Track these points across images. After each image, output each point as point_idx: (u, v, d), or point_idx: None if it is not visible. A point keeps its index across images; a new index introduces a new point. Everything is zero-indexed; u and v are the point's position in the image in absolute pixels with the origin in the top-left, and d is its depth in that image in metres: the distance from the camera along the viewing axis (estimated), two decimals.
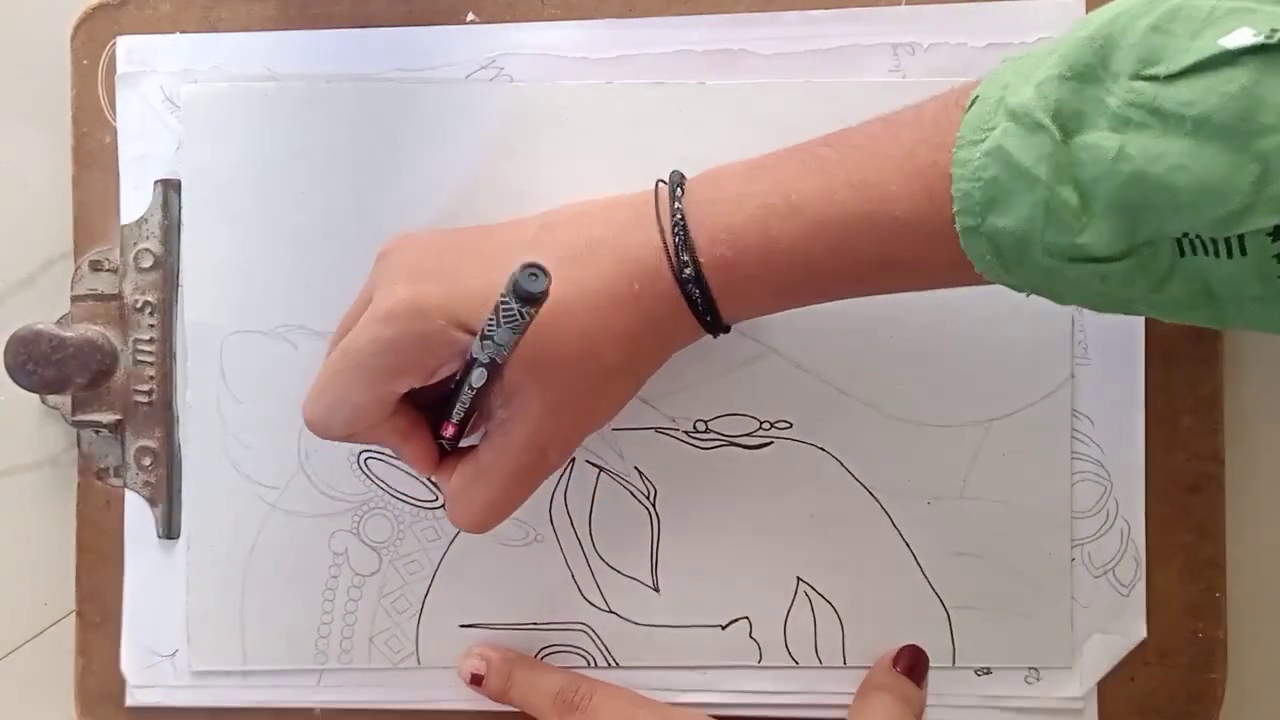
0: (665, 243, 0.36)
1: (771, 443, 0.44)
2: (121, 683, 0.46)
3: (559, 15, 0.45)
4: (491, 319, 0.33)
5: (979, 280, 0.34)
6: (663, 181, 0.38)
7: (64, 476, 0.48)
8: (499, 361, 0.34)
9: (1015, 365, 0.43)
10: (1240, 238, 0.29)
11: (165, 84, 0.46)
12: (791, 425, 0.44)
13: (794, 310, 0.43)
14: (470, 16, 0.45)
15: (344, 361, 0.36)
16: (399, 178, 0.45)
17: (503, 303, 0.32)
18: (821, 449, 0.44)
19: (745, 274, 0.35)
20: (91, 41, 0.46)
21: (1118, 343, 0.43)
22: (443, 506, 0.45)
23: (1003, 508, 0.43)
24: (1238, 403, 0.44)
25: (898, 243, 0.34)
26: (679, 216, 0.36)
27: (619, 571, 0.45)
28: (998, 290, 0.41)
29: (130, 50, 0.46)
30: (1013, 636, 0.44)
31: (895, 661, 0.43)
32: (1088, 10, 0.43)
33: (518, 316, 0.33)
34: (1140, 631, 0.43)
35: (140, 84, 0.46)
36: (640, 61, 0.44)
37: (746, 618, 0.44)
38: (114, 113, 0.46)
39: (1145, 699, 0.44)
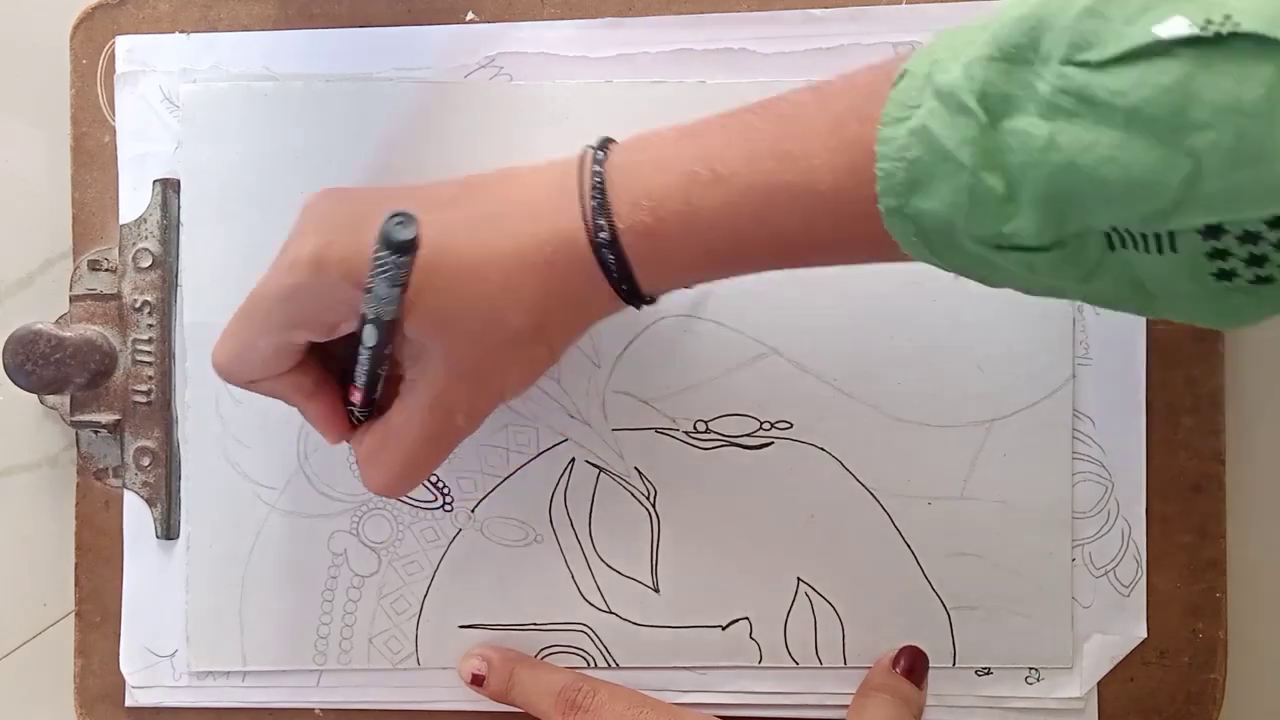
0: (583, 208, 0.35)
1: (772, 443, 0.44)
2: (121, 683, 0.46)
3: (558, 14, 0.45)
4: (371, 274, 0.32)
5: (905, 258, 0.33)
6: (591, 146, 0.37)
7: (63, 477, 0.48)
8: (386, 319, 0.33)
9: (1016, 365, 0.43)
10: (1170, 234, 0.28)
11: (164, 83, 0.46)
12: (792, 425, 0.44)
13: (794, 310, 0.43)
14: (470, 16, 0.45)
15: (248, 306, 0.36)
16: (398, 177, 0.44)
17: (376, 255, 0.32)
18: (822, 449, 0.44)
19: (666, 243, 0.34)
20: (90, 41, 0.46)
21: (1119, 343, 0.43)
22: (442, 507, 0.45)
23: (1003, 508, 0.43)
24: (1239, 403, 0.44)
25: (821, 217, 0.33)
26: (598, 179, 0.35)
27: (619, 572, 0.45)
28: (998, 290, 0.41)
29: (129, 50, 0.46)
30: (1013, 637, 0.44)
31: (895, 662, 0.43)
32: None
33: (391, 268, 0.32)
34: (1140, 632, 0.43)
35: (139, 83, 0.46)
36: (640, 61, 0.44)
37: (747, 618, 0.44)
38: (113, 112, 0.46)
39: (1145, 699, 0.44)
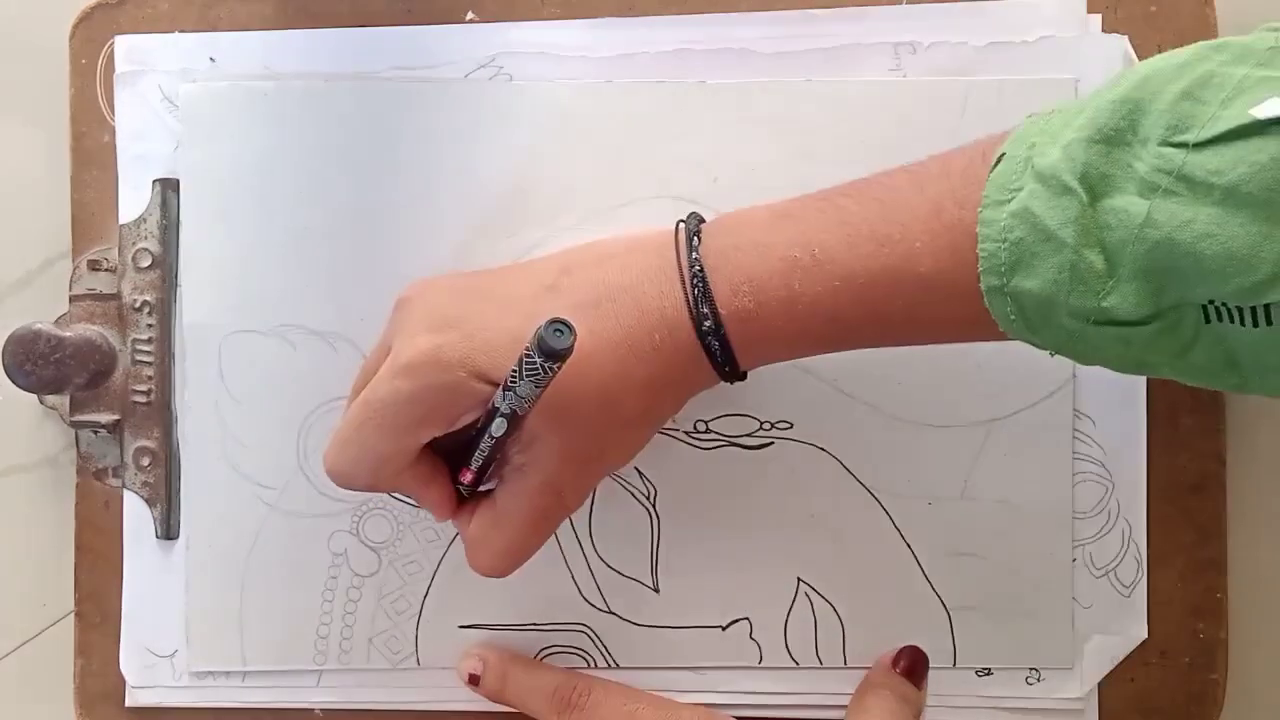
0: (685, 294, 0.35)
1: (772, 443, 0.44)
2: (121, 683, 0.46)
3: (559, 14, 0.45)
4: (515, 372, 0.33)
5: (1003, 336, 0.34)
6: (683, 222, 0.37)
7: (62, 477, 0.48)
8: (520, 414, 0.34)
9: (1017, 365, 0.43)
10: (1266, 307, 0.29)
11: (164, 83, 0.46)
12: (792, 425, 0.44)
13: None
14: (470, 15, 0.45)
15: (366, 413, 0.36)
16: (398, 177, 0.44)
17: (527, 358, 0.32)
18: (822, 449, 0.44)
19: (767, 326, 0.35)
20: (90, 41, 0.46)
21: None
22: None
23: (1004, 508, 0.43)
24: (1239, 403, 0.44)
25: (922, 299, 0.33)
26: (698, 268, 0.35)
27: (619, 572, 0.45)
28: None
29: (129, 49, 0.46)
30: (1013, 637, 0.44)
31: (894, 662, 0.43)
32: (1088, 11, 0.43)
33: (541, 371, 0.32)
34: (1141, 632, 0.43)
35: (139, 83, 0.46)
36: (640, 60, 0.44)
37: (747, 618, 0.44)
38: (112, 112, 0.46)
39: (1146, 699, 0.44)
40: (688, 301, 0.35)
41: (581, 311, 0.35)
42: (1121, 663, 0.43)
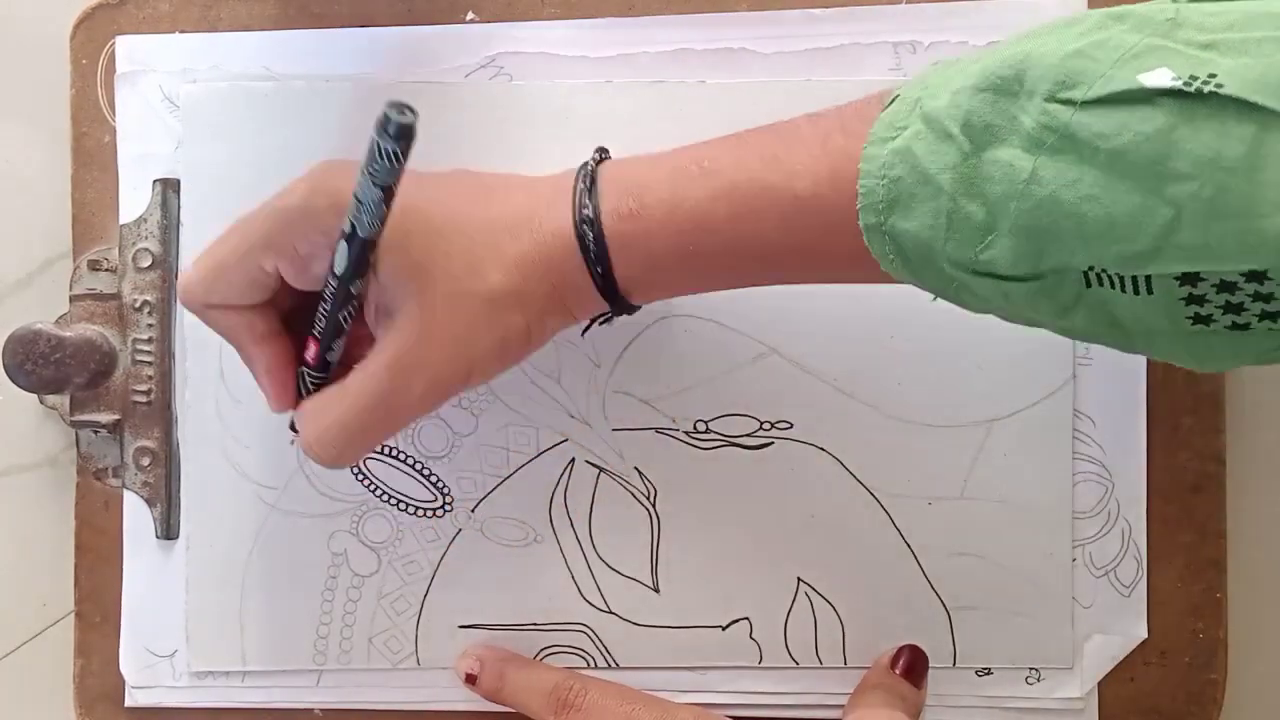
0: (574, 191, 0.35)
1: (772, 443, 0.44)
2: (121, 683, 0.46)
3: (559, 14, 0.45)
4: (360, 176, 0.32)
5: (886, 278, 0.34)
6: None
7: (63, 477, 0.48)
8: (363, 234, 0.33)
9: (1017, 365, 0.43)
10: (1148, 278, 0.29)
11: (164, 83, 0.46)
12: (792, 425, 0.44)
13: (794, 310, 0.43)
14: (470, 16, 0.45)
15: (229, 228, 0.37)
16: None
17: (371, 146, 0.31)
18: (822, 449, 0.44)
19: (646, 227, 0.35)
20: (91, 41, 0.46)
21: None
22: (442, 507, 0.45)
23: (1004, 508, 0.43)
24: (1239, 403, 0.44)
25: (797, 221, 0.33)
26: (589, 165, 0.36)
27: (619, 572, 0.45)
28: None
29: (129, 50, 0.46)
30: (1013, 637, 0.44)
31: (893, 662, 0.43)
32: (1089, 6, 0.43)
33: (383, 158, 0.31)
34: (1141, 632, 0.43)
35: (139, 83, 0.46)
36: (640, 60, 0.44)
37: (747, 618, 0.44)
38: (113, 112, 0.46)
39: (1145, 699, 0.44)
40: (573, 197, 0.35)
41: (469, 194, 0.35)
42: (1121, 662, 0.43)
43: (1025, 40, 0.30)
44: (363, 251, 0.34)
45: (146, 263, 0.46)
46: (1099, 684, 0.44)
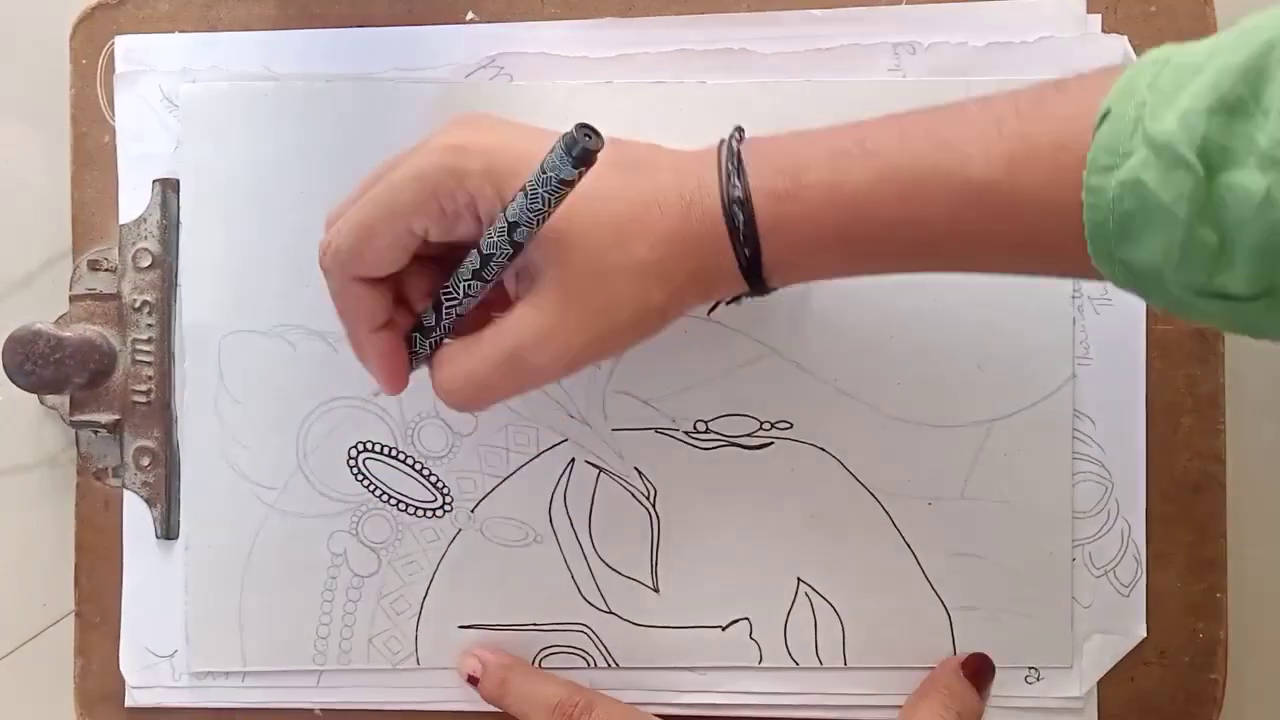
0: (720, 164, 0.34)
1: (772, 443, 0.44)
2: (121, 683, 0.46)
3: (559, 14, 0.45)
4: (533, 180, 0.32)
5: (1046, 269, 0.33)
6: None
7: (62, 477, 0.48)
8: (523, 230, 0.33)
9: (1017, 365, 0.43)
10: None
11: (164, 83, 0.46)
12: (792, 425, 0.44)
13: (794, 310, 0.43)
14: (470, 16, 0.45)
15: (376, 191, 0.35)
16: None
17: (551, 159, 0.31)
18: (822, 449, 0.44)
19: (804, 209, 0.33)
20: (90, 41, 0.46)
21: (1119, 343, 0.43)
22: (441, 508, 0.45)
23: (1004, 508, 0.43)
24: (1238, 403, 0.44)
25: (967, 206, 0.32)
26: (736, 139, 0.35)
27: (619, 572, 0.45)
28: (999, 290, 0.41)
29: (129, 50, 0.46)
30: (1013, 636, 0.44)
31: (964, 664, 0.42)
32: (1088, 11, 0.43)
33: (560, 174, 0.31)
34: (1140, 631, 0.43)
35: (139, 83, 0.46)
36: (640, 61, 0.44)
37: (747, 618, 0.44)
38: (113, 112, 0.46)
39: (1145, 699, 0.44)
40: (719, 169, 0.34)
41: (619, 169, 0.34)
42: (1121, 662, 0.43)
43: (1252, 49, 0.28)
44: (514, 242, 0.34)
45: (146, 263, 0.46)
46: (1098, 683, 0.44)
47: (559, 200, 0.32)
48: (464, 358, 0.36)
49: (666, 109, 0.44)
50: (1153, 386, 0.43)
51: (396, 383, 0.37)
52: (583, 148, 0.31)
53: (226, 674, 0.46)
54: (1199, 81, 0.28)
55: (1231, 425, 0.43)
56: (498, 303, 0.36)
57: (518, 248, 0.34)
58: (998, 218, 0.32)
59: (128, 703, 0.46)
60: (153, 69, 0.46)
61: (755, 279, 0.35)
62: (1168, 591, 0.44)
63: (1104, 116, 0.30)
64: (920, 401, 0.43)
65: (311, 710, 0.46)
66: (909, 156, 0.33)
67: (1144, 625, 0.43)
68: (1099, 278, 0.32)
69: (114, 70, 0.46)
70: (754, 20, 0.44)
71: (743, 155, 0.34)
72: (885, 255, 0.35)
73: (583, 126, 0.31)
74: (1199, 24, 0.43)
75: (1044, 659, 0.43)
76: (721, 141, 0.35)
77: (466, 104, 0.44)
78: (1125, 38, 0.43)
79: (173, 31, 0.46)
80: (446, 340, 0.37)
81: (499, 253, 0.34)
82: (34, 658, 0.48)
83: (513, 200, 0.33)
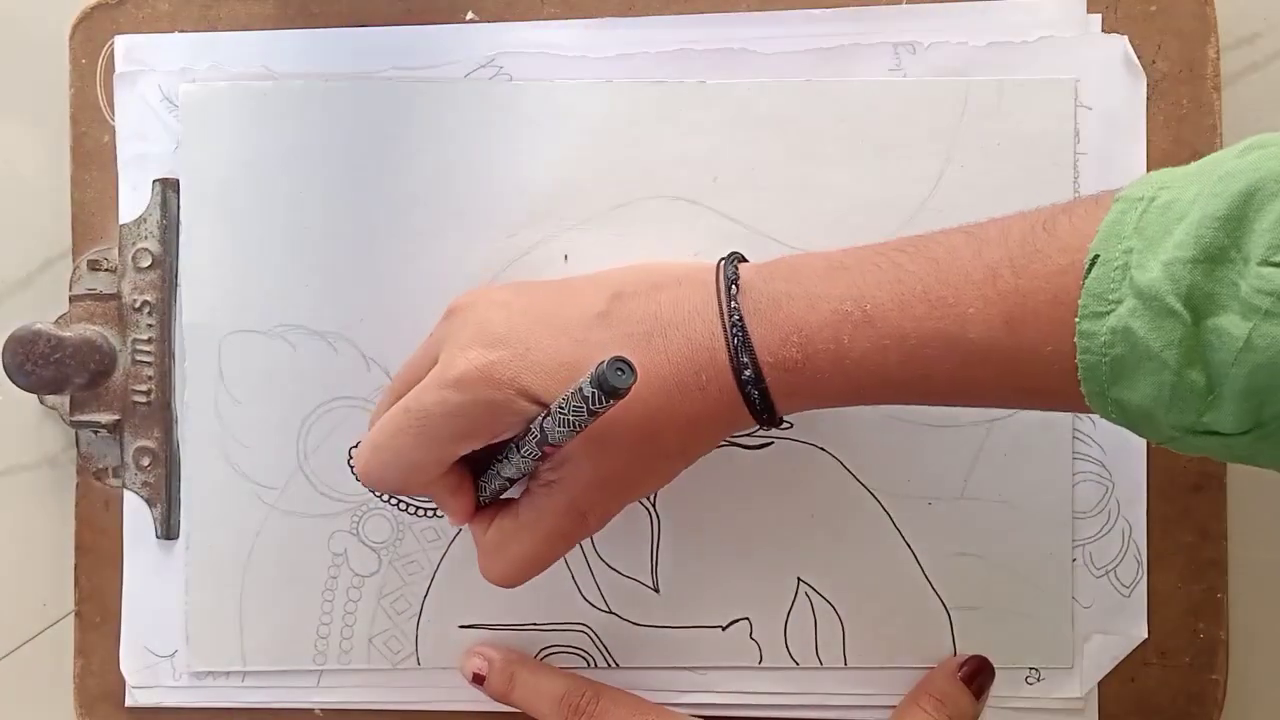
0: (726, 342, 0.35)
1: (771, 443, 0.44)
2: (121, 683, 0.46)
3: (558, 14, 0.45)
4: (565, 400, 0.33)
5: (1052, 406, 0.34)
6: (724, 260, 0.37)
7: (62, 477, 0.48)
8: (561, 443, 0.34)
9: None
10: None
11: (163, 83, 0.46)
12: (792, 425, 0.44)
13: None
14: (469, 15, 0.45)
15: (408, 420, 0.36)
16: (397, 177, 0.44)
17: (581, 392, 0.32)
18: (822, 449, 0.44)
19: (813, 378, 0.35)
20: (90, 41, 0.46)
21: None
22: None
23: (1004, 508, 0.43)
24: None
25: (971, 364, 0.33)
26: (736, 318, 0.35)
27: (619, 572, 0.45)
28: None
29: (128, 49, 0.46)
30: (1013, 637, 0.44)
31: (960, 665, 0.43)
32: (1088, 11, 0.43)
33: (595, 404, 0.32)
34: (1141, 632, 0.43)
35: (138, 83, 0.46)
36: (640, 60, 0.44)
37: (747, 618, 0.44)
38: (112, 112, 0.46)
39: (1146, 699, 0.44)
40: (728, 349, 0.35)
41: (633, 343, 0.35)
42: (1121, 662, 0.43)
43: (1231, 198, 0.29)
44: (557, 447, 0.35)
45: (146, 263, 0.46)
46: (1099, 684, 0.44)
47: (594, 420, 0.33)
48: (512, 543, 0.38)
49: (666, 109, 0.44)
50: None
51: (462, 519, 0.39)
52: (613, 385, 0.31)
53: (226, 674, 0.46)
54: (1182, 230, 0.30)
55: (1233, 463, 0.43)
56: None
57: (552, 452, 0.35)
58: (999, 372, 0.33)
59: (128, 703, 0.46)
60: (152, 69, 0.46)
61: (772, 424, 0.37)
62: (1168, 592, 0.43)
63: (1092, 263, 0.31)
64: None
65: (311, 710, 0.46)
66: (910, 321, 0.34)
67: (1145, 626, 0.43)
68: (1097, 414, 0.33)
69: (114, 70, 0.46)
70: (754, 20, 0.44)
71: (745, 322, 0.35)
72: (895, 400, 0.36)
73: (615, 361, 0.32)
74: (1199, 24, 0.43)
75: (1044, 659, 0.43)
76: (720, 295, 0.36)
77: (467, 104, 0.44)
78: (1125, 38, 0.43)
79: (172, 31, 0.46)
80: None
81: (531, 457, 0.36)
82: (34, 658, 0.48)
83: (544, 417, 0.34)
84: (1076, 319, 0.31)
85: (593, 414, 0.33)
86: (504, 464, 0.37)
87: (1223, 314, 0.29)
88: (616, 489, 0.37)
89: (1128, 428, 0.33)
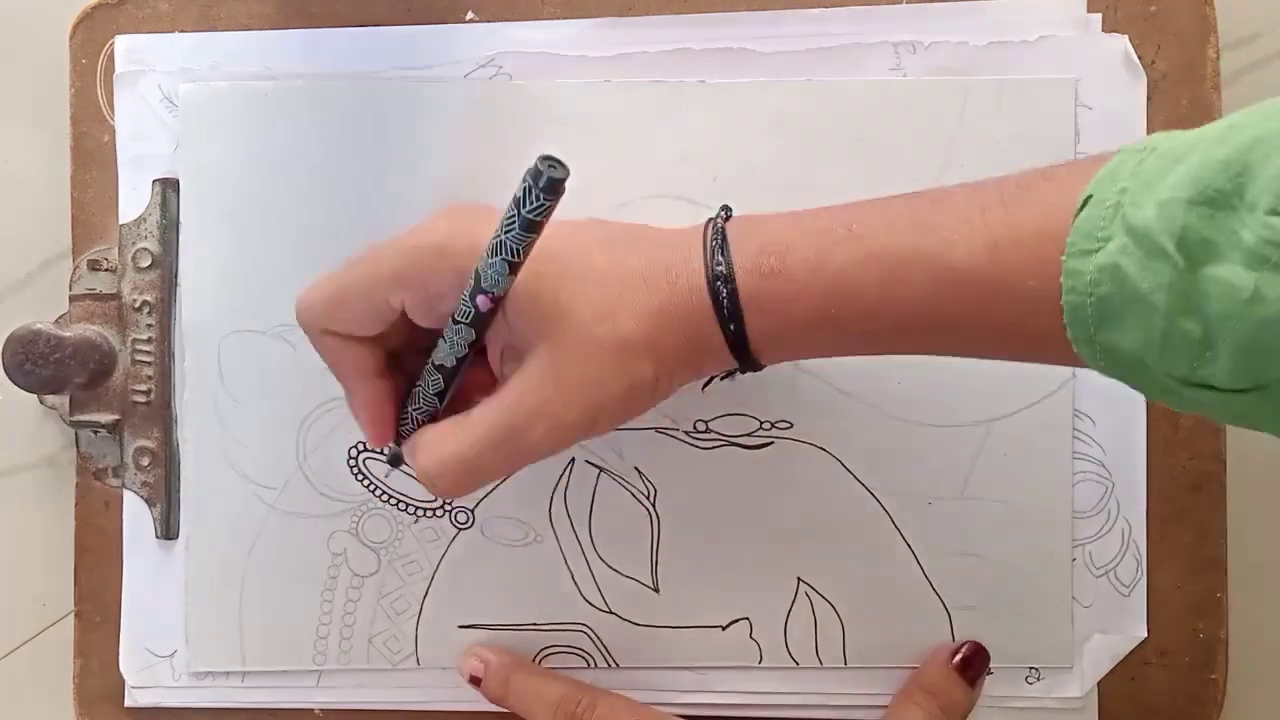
0: (704, 243, 0.35)
1: (771, 443, 0.44)
2: (121, 683, 0.46)
3: (558, 14, 0.45)
4: (499, 228, 0.32)
5: (1032, 357, 0.34)
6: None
7: (62, 477, 0.48)
8: (493, 290, 0.33)
9: (1017, 365, 0.43)
10: None
11: (163, 83, 0.46)
12: (791, 425, 0.44)
13: None
14: (470, 15, 0.45)
15: (357, 257, 0.36)
16: (397, 177, 0.44)
17: (520, 193, 0.31)
18: (822, 449, 0.44)
19: (787, 287, 0.34)
20: (90, 41, 0.46)
21: None
22: (441, 508, 0.45)
23: (1004, 508, 0.43)
24: None
25: (950, 291, 0.32)
26: (722, 217, 0.35)
27: (619, 572, 0.45)
28: None
29: (128, 49, 0.46)
30: (1013, 636, 0.44)
31: (952, 655, 0.42)
32: (1088, 11, 0.43)
33: (528, 205, 0.31)
34: (1141, 631, 0.43)
35: (138, 83, 0.46)
36: (640, 60, 0.44)
37: (747, 618, 0.44)
38: (112, 112, 0.46)
39: (1145, 699, 0.44)
40: (704, 247, 0.34)
41: (605, 240, 0.35)
42: (1121, 662, 0.43)
43: (1237, 144, 0.28)
44: (492, 304, 0.34)
45: (146, 263, 0.46)
46: (1099, 684, 0.44)
47: (524, 244, 0.32)
48: (450, 439, 0.35)
49: (666, 109, 0.44)
50: None
51: (377, 432, 0.38)
52: (549, 178, 0.31)
53: (226, 674, 0.46)
54: (1179, 171, 0.28)
55: (1231, 425, 0.43)
56: (484, 387, 0.37)
57: (491, 309, 0.34)
58: (980, 303, 0.32)
59: (128, 703, 0.46)
60: (152, 69, 0.46)
61: (743, 354, 0.35)
62: (1168, 591, 0.44)
63: (1085, 201, 0.30)
64: (920, 401, 0.43)
65: (311, 710, 0.46)
66: (893, 240, 0.33)
67: (1144, 625, 0.43)
68: (1088, 365, 0.32)
69: (114, 70, 0.46)
70: (754, 20, 0.44)
71: (728, 234, 0.35)
72: (870, 336, 0.35)
73: (545, 157, 0.31)
74: (1199, 24, 0.43)
75: (1044, 659, 0.44)
76: (708, 221, 0.36)
77: (467, 104, 0.44)
78: (1125, 38, 0.43)
79: (172, 31, 0.46)
80: (424, 415, 0.37)
81: (474, 315, 0.34)
82: (34, 658, 0.48)
83: (491, 240, 0.33)
84: (1063, 256, 0.30)
85: (527, 227, 0.31)
86: (441, 343, 0.35)
87: (1222, 263, 0.27)
88: (571, 389, 0.34)
89: (1121, 379, 0.31)
